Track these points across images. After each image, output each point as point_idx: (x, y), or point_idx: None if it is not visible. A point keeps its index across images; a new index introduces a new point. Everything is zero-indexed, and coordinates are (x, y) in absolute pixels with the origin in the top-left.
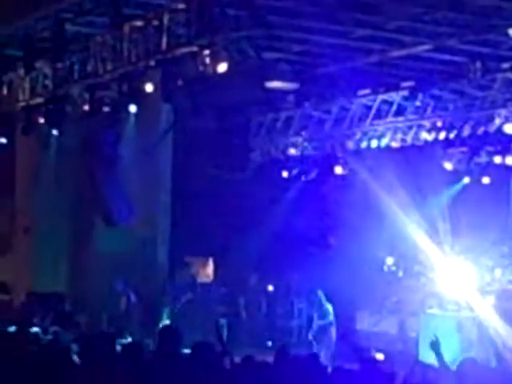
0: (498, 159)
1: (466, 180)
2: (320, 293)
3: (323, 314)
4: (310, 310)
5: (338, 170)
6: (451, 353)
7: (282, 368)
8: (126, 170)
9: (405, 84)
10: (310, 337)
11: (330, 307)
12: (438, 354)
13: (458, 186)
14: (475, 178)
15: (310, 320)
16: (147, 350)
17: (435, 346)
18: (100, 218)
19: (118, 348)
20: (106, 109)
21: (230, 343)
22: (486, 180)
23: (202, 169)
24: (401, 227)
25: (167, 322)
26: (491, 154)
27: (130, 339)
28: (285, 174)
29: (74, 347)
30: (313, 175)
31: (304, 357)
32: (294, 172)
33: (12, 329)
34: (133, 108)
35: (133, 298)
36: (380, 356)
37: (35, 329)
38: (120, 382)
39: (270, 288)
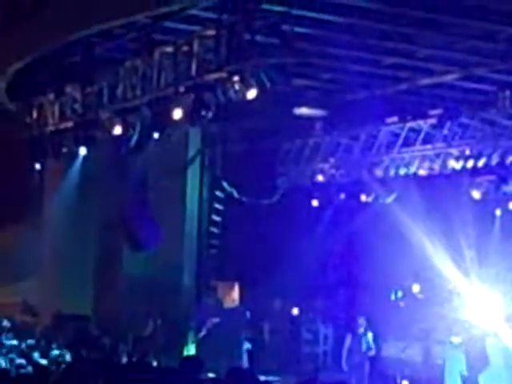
0: None
1: (498, 212)
2: (363, 320)
3: (367, 343)
4: (353, 338)
5: (365, 197)
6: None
7: None
8: (153, 195)
9: (433, 112)
10: (345, 367)
11: (370, 336)
12: None
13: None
14: (503, 207)
15: (339, 347)
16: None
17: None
18: (126, 243)
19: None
20: (134, 133)
21: (255, 367)
22: None
23: (229, 194)
24: (427, 255)
25: (193, 346)
26: None
27: (155, 363)
28: (315, 202)
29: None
30: (340, 202)
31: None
32: (322, 199)
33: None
34: (155, 134)
35: (159, 321)
36: (405, 383)
37: (56, 351)
38: None
39: (295, 311)
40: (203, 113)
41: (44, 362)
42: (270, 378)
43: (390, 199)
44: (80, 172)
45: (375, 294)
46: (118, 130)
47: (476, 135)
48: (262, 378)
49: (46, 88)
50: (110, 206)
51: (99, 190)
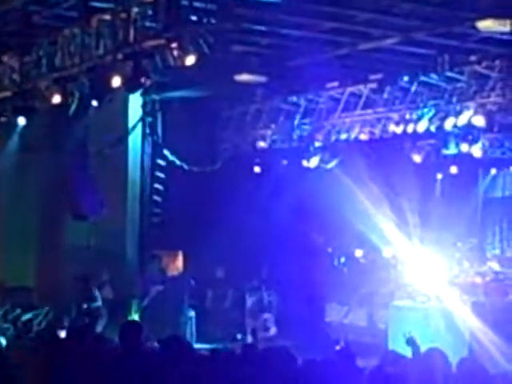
0: (466, 151)
1: (439, 176)
2: None
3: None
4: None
5: (307, 162)
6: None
7: (250, 360)
8: (95, 164)
9: (373, 77)
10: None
11: None
12: (415, 348)
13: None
14: (444, 171)
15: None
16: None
17: (411, 342)
18: (68, 212)
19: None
20: (74, 102)
21: (199, 336)
22: (454, 170)
23: (170, 162)
24: (370, 219)
25: (136, 315)
26: (459, 147)
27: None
28: (257, 169)
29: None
30: (282, 168)
31: (274, 350)
32: (264, 165)
33: None
34: (94, 103)
35: (105, 291)
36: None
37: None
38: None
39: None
40: (142, 80)
41: None
42: (214, 346)
43: (331, 165)
44: (19, 142)
45: (319, 259)
46: (57, 99)
47: (416, 99)
48: (207, 345)
49: None
50: (51, 176)
51: (39, 160)
